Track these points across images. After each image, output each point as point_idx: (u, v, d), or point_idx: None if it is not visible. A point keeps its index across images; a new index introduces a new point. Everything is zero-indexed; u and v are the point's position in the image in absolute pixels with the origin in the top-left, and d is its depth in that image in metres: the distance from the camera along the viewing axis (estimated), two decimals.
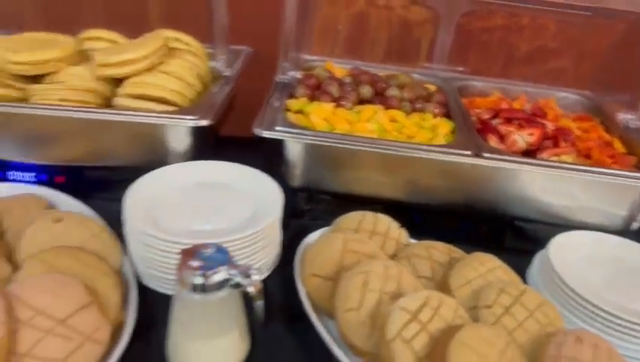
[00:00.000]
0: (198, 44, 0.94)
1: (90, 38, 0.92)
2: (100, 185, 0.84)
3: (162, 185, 0.73)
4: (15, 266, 0.61)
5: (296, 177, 0.79)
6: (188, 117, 0.75)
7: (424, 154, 0.75)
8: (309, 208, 0.82)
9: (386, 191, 0.79)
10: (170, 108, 0.79)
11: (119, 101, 0.81)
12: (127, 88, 0.82)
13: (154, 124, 0.75)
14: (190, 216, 0.69)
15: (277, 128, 0.73)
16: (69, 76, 0.83)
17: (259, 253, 0.67)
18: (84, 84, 0.82)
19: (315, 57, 1.02)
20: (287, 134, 0.74)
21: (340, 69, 1.01)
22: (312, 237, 0.72)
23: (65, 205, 0.76)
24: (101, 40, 0.93)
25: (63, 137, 0.79)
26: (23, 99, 0.83)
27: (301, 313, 0.61)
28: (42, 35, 0.90)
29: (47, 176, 0.83)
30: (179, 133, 0.77)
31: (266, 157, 0.80)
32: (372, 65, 1.04)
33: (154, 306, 0.63)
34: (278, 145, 0.77)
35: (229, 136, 0.93)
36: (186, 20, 0.99)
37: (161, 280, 0.65)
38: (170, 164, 0.78)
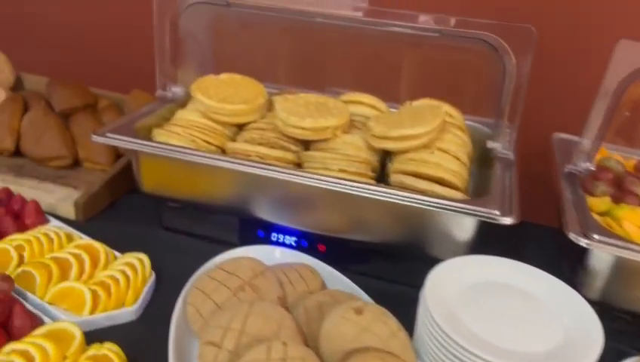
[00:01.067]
0: (460, 116, 0.89)
1: (351, 102, 0.91)
2: (361, 259, 0.80)
3: (455, 278, 0.66)
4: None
5: (594, 290, 0.68)
6: (487, 210, 0.67)
7: None
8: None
9: None
10: (457, 194, 0.73)
11: (395, 178, 0.76)
12: (402, 164, 0.77)
13: (446, 212, 0.69)
14: (493, 325, 0.60)
15: (595, 237, 0.64)
16: (344, 145, 0.81)
17: None
18: (359, 155, 0.79)
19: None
20: (607, 245, 0.63)
21: (624, 158, 0.89)
22: None
23: (333, 280, 0.73)
24: (362, 104, 0.91)
25: (334, 209, 0.76)
26: (297, 164, 0.82)
27: None
28: (248, 81, 0.91)
29: (308, 242, 0.81)
30: (467, 223, 0.70)
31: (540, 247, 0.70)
32: None
33: None
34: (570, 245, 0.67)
35: None
36: (439, 87, 0.95)
37: None
38: (444, 252, 0.72)
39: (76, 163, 0.99)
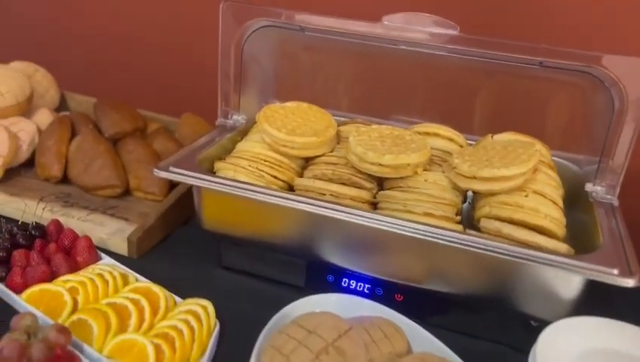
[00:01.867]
0: (548, 152, 0.81)
1: (426, 133, 0.84)
2: (442, 310, 0.72)
3: (567, 342, 0.58)
4: None
5: None
6: (603, 269, 0.59)
7: None
8: None
9: None
10: (559, 245, 0.65)
11: (488, 225, 0.69)
12: (495, 209, 0.70)
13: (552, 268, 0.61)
14: None
15: None
16: (426, 184, 0.73)
17: None
18: (444, 196, 0.72)
19: None
20: None
21: None
22: None
23: (415, 336, 0.65)
24: (439, 137, 0.83)
25: (417, 256, 0.69)
26: (372, 203, 0.75)
27: None
28: (315, 110, 0.85)
29: (384, 290, 0.74)
30: (574, 281, 0.63)
31: None
32: None
33: None
34: None
35: None
36: (518, 119, 0.88)
37: None
38: (538, 309, 0.65)
39: (126, 191, 0.94)
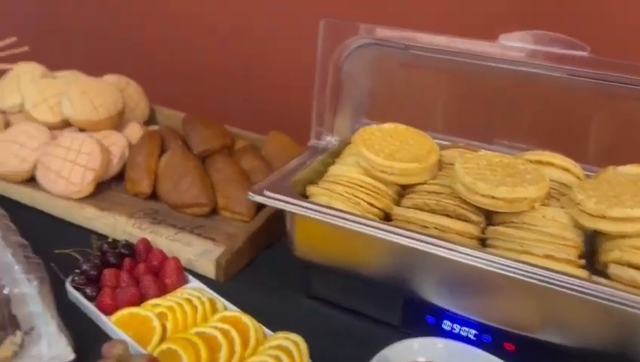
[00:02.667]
0: None
1: (538, 162, 0.76)
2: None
3: None
4: None
5: None
6: None
7: None
8: None
9: None
10: None
11: (620, 272, 0.60)
12: (626, 254, 0.61)
13: None
14: None
15: None
16: (544, 221, 0.66)
17: None
18: (565, 235, 0.64)
19: None
20: None
21: None
22: None
23: None
24: (553, 166, 0.75)
25: (535, 302, 0.62)
26: (480, 238, 0.68)
27: None
28: (414, 133, 0.78)
29: (493, 338, 0.66)
30: None
31: None
32: None
33: None
34: None
35: None
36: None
37: None
38: None
39: (213, 210, 0.92)
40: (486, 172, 0.69)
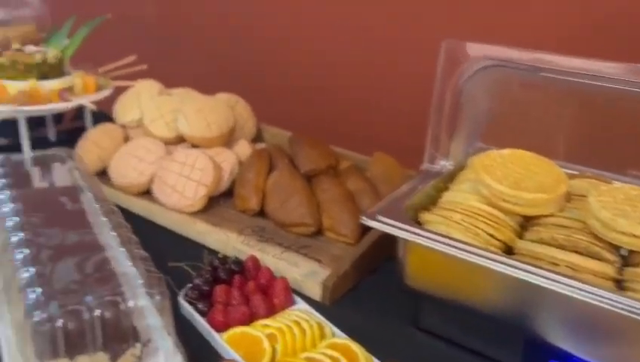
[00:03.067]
0: None
1: None
2: None
3: None
4: None
5: None
6: None
7: None
8: None
9: None
10: None
11: None
12: None
13: None
14: None
15: None
16: None
17: None
18: None
19: None
20: None
21: None
22: None
23: None
24: None
25: None
26: (616, 280, 0.62)
27: None
28: (538, 160, 0.73)
29: None
30: None
31: None
32: None
33: None
34: None
35: None
36: None
37: None
38: None
39: (318, 231, 0.91)
40: (625, 207, 0.63)
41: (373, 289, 0.83)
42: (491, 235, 0.67)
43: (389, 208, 0.70)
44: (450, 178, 0.80)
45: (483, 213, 0.68)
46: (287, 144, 1.09)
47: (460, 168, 0.81)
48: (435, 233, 0.65)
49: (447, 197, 0.74)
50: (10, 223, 0.69)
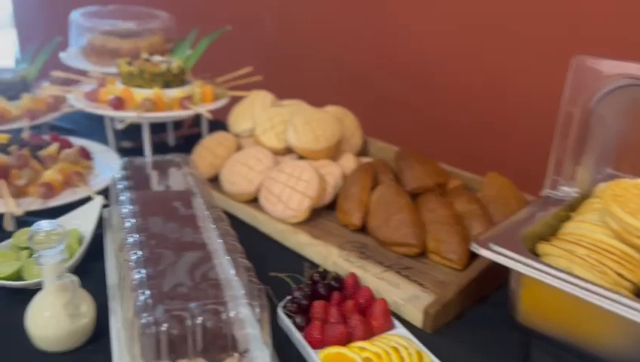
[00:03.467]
0: None
1: None
2: None
3: None
4: None
5: None
6: None
7: None
8: None
9: None
10: None
11: None
12: None
13: None
14: None
15: None
16: None
17: None
18: None
19: None
20: None
21: None
22: None
23: None
24: None
25: None
26: None
27: None
28: None
29: None
30: None
31: None
32: None
33: None
34: None
35: None
36: None
37: None
38: None
39: (422, 252, 0.87)
40: None
41: (478, 320, 0.78)
42: (621, 275, 0.60)
43: (503, 235, 0.65)
44: (573, 207, 0.73)
45: (612, 249, 0.61)
46: (393, 159, 1.06)
47: (585, 196, 0.73)
48: (556, 268, 0.59)
49: (569, 228, 0.67)
50: (128, 224, 0.73)
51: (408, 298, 0.77)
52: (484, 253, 0.62)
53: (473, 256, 0.83)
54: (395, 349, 0.66)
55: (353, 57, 1.48)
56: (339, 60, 1.52)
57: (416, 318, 0.75)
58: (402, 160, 1.01)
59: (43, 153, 1.04)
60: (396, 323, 0.73)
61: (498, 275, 0.79)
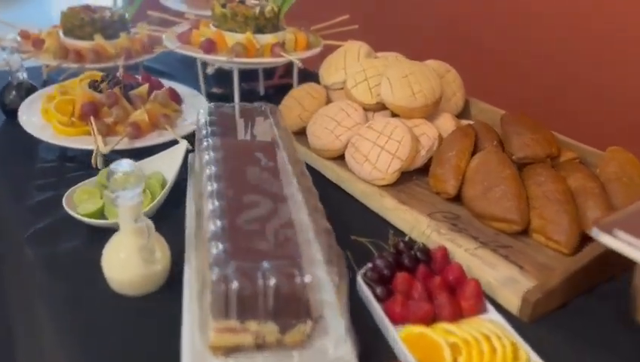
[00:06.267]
0: None
1: None
2: None
3: None
4: None
5: None
6: None
7: None
8: None
9: None
10: None
11: None
12: None
13: None
14: None
15: None
16: None
17: None
18: None
19: None
20: None
21: None
22: None
23: None
24: None
25: None
26: None
27: None
28: None
29: None
30: None
31: None
32: None
33: None
34: None
35: None
36: None
37: None
38: None
39: (524, 230, 0.78)
40: None
41: (585, 313, 0.68)
42: None
43: (629, 221, 0.55)
44: None
45: None
46: (498, 123, 0.95)
47: None
48: None
49: None
50: (208, 172, 0.70)
51: (504, 280, 0.69)
52: (606, 239, 0.52)
53: (585, 241, 0.73)
54: (487, 337, 0.58)
55: (460, 10, 1.35)
56: (445, 13, 1.39)
57: (513, 304, 0.66)
58: (509, 125, 0.90)
59: (133, 93, 1.03)
60: (489, 306, 0.65)
61: (614, 265, 0.69)
